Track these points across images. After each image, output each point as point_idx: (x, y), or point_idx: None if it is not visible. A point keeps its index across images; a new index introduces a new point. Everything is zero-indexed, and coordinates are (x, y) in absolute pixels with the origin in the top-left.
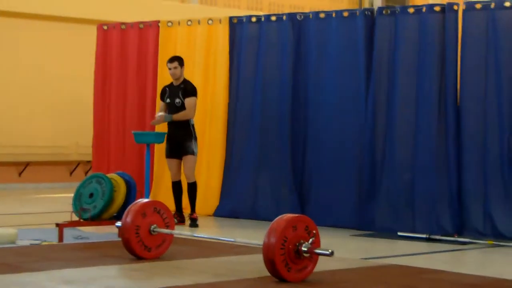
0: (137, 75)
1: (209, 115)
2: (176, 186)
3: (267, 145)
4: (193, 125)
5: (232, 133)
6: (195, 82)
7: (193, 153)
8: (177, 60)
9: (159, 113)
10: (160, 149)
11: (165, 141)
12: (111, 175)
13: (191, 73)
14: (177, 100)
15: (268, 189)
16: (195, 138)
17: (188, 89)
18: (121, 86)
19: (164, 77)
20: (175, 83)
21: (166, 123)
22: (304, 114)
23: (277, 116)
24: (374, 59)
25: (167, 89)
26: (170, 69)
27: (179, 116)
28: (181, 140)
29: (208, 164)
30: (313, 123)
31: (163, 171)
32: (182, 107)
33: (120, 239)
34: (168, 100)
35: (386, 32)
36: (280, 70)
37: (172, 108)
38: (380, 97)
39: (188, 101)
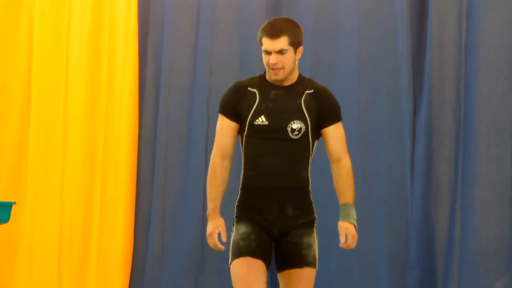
0: None
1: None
2: None
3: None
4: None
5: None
6: (77, 91)
7: (315, 263)
8: (286, 31)
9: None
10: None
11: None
12: None
13: (56, 73)
14: (297, 125)
15: None
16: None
17: (332, 103)
18: None
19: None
20: (280, 81)
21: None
22: None
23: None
24: None
25: (256, 92)
26: (266, 53)
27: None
28: (293, 225)
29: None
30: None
31: None
32: (304, 143)
33: None
34: (262, 120)
35: None
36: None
37: (272, 146)
38: None
39: (338, 130)
